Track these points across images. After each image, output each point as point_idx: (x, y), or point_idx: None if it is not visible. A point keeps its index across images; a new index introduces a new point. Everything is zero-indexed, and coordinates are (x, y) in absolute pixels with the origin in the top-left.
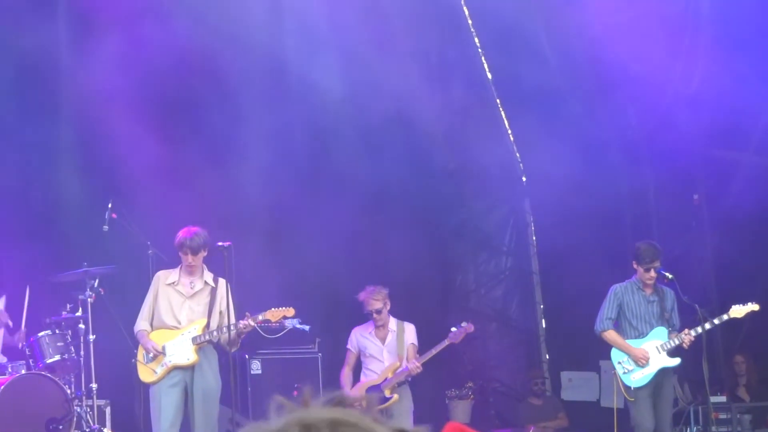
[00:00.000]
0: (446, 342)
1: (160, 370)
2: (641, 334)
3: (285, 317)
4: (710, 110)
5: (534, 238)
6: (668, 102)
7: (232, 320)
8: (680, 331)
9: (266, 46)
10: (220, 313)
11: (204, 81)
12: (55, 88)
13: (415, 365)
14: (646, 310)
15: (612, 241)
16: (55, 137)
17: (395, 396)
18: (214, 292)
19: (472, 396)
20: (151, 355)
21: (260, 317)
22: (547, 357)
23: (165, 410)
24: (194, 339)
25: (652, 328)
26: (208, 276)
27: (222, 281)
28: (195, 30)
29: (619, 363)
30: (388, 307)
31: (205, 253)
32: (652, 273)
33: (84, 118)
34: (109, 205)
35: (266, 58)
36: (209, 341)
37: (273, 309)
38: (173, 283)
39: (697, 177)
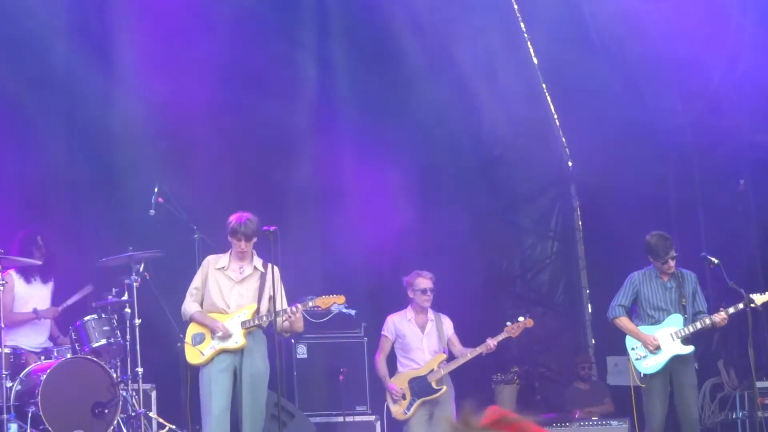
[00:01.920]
0: (503, 335)
1: (208, 353)
2: (656, 322)
3: (335, 304)
4: (756, 95)
5: (580, 222)
6: (714, 87)
7: (284, 305)
8: (710, 313)
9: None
10: (270, 298)
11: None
12: (104, 77)
13: (489, 346)
14: (663, 297)
15: (658, 226)
16: (102, 122)
17: (444, 387)
18: (263, 277)
19: (517, 381)
20: (219, 334)
21: (310, 303)
22: (593, 342)
23: (216, 396)
24: (243, 323)
25: (668, 315)
26: (258, 261)
27: (273, 267)
28: None
29: (633, 349)
30: (433, 293)
31: (255, 239)
32: (671, 263)
33: (131, 103)
34: (156, 189)
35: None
36: (258, 326)
37: (324, 296)
38: (223, 267)
39: (743, 162)
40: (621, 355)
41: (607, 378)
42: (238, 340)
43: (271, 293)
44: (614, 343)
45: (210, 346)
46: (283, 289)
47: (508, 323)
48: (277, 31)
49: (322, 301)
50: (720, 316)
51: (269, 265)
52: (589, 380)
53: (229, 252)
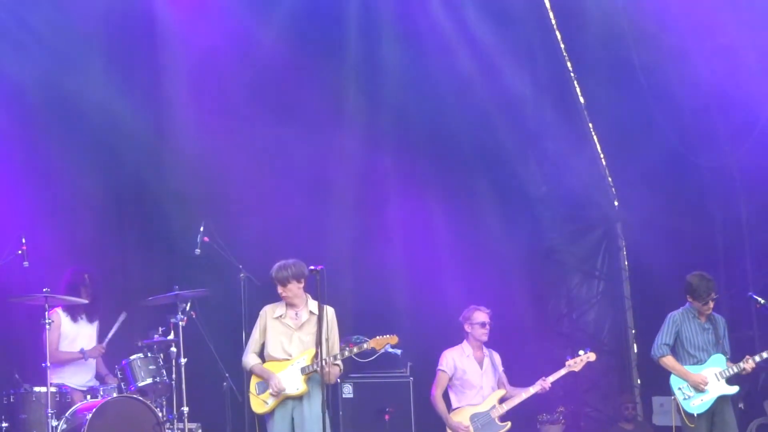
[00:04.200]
0: (564, 371)
1: (271, 401)
2: (699, 362)
3: (389, 345)
4: None
5: (626, 262)
6: (761, 126)
7: (335, 351)
8: (732, 358)
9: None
10: (327, 340)
11: (296, 112)
12: (152, 115)
13: (543, 388)
14: (702, 338)
15: (704, 267)
16: (148, 161)
17: (509, 423)
18: (320, 321)
19: (563, 420)
20: (274, 389)
21: (365, 345)
22: (639, 382)
23: None
24: (303, 369)
25: (709, 355)
26: (313, 305)
27: (328, 309)
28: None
29: (679, 389)
30: (490, 327)
31: (300, 284)
32: (710, 305)
33: (179, 142)
34: (201, 229)
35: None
36: (317, 371)
37: (378, 337)
38: (280, 316)
39: None
40: (666, 395)
41: (652, 418)
42: (299, 386)
43: (327, 336)
44: (660, 383)
45: (273, 395)
46: (336, 332)
47: (568, 358)
48: (323, 75)
49: (377, 342)
50: (749, 365)
51: (324, 308)
52: (633, 420)
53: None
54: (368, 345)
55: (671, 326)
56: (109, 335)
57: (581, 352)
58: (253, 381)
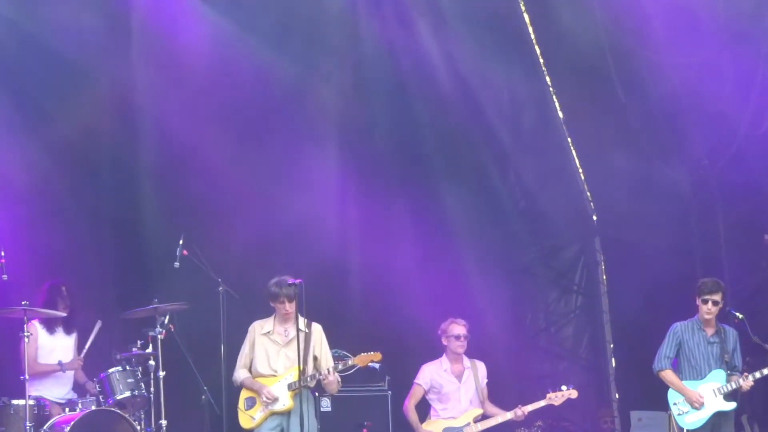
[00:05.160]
0: (543, 403)
1: (258, 417)
2: (699, 375)
3: (372, 362)
4: None
5: (604, 277)
6: (739, 141)
7: (330, 364)
8: (742, 372)
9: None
10: (315, 358)
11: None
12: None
13: (519, 416)
14: (705, 351)
15: (682, 281)
16: (126, 173)
17: None
18: (308, 338)
19: None
20: (264, 399)
21: (350, 362)
22: (617, 396)
23: None
24: (290, 385)
25: (710, 369)
26: (302, 322)
27: (316, 326)
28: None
29: (675, 404)
30: (467, 340)
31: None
32: (710, 306)
33: (156, 154)
34: (180, 242)
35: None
36: (306, 386)
37: (362, 354)
38: (268, 332)
39: (767, 216)
40: (644, 409)
41: None
42: (285, 402)
43: (315, 353)
44: (638, 397)
45: (260, 410)
46: (327, 347)
47: (550, 391)
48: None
49: (361, 360)
50: (747, 383)
51: (313, 325)
52: None
53: (273, 316)
54: (352, 361)
55: (672, 338)
56: (87, 346)
57: (564, 388)
58: (242, 396)
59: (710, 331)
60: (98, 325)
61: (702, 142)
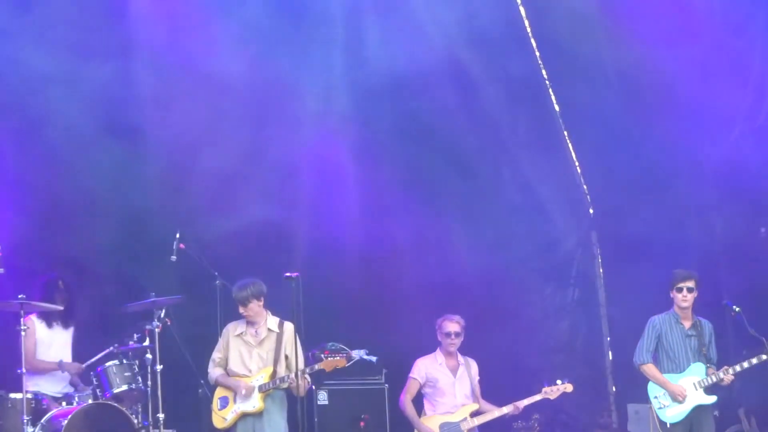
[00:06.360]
0: (538, 397)
1: (230, 417)
2: (678, 368)
3: (337, 367)
4: None
5: (601, 270)
6: (736, 135)
7: (300, 365)
8: (717, 365)
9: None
10: (286, 357)
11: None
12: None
13: (515, 410)
14: (683, 344)
15: None
16: (123, 167)
17: None
18: (280, 337)
19: (538, 428)
20: (243, 392)
21: (317, 367)
22: (614, 389)
23: None
24: (261, 387)
25: (689, 362)
26: (273, 322)
27: (288, 326)
28: None
29: (656, 398)
30: (462, 338)
31: (260, 302)
32: (685, 293)
33: (153, 149)
34: (177, 236)
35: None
36: (277, 388)
37: (328, 359)
38: (241, 333)
39: (764, 210)
40: (642, 402)
41: (627, 425)
42: (255, 404)
43: (287, 353)
44: (635, 390)
45: (232, 411)
46: (300, 347)
47: (546, 384)
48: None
49: (326, 364)
50: (728, 377)
51: (285, 324)
52: (609, 428)
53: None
54: (319, 366)
55: (651, 331)
56: (91, 360)
57: (559, 382)
58: (216, 396)
59: (687, 324)
60: (110, 349)
61: (698, 136)
